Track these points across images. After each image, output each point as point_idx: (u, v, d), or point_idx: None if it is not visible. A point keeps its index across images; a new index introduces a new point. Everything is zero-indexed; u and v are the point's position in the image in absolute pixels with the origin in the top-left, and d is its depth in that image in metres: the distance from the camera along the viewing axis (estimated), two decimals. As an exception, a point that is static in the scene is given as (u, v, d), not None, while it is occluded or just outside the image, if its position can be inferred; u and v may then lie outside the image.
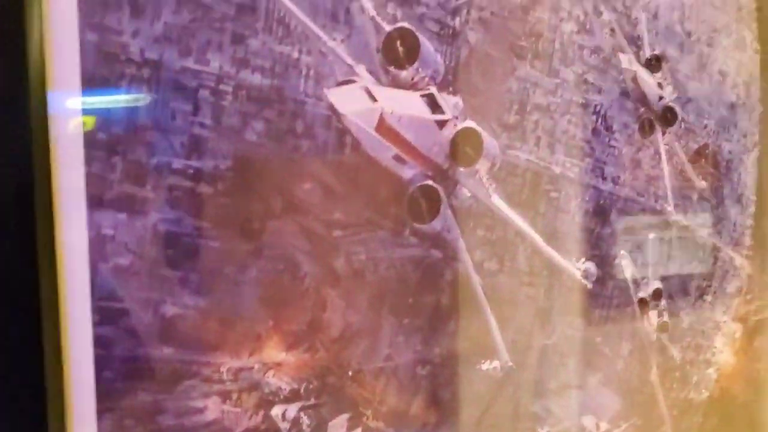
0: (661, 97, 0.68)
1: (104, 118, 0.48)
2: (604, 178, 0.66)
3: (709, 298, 0.73)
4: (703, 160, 0.71)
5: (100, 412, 0.48)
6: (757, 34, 0.73)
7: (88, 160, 0.47)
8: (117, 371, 0.49)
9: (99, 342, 0.48)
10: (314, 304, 0.55)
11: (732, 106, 0.73)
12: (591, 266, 0.66)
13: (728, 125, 0.73)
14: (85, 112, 0.47)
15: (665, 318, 0.70)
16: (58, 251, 0.47)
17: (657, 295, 0.70)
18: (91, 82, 0.47)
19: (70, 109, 0.47)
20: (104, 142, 0.47)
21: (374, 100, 0.56)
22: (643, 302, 0.69)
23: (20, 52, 0.45)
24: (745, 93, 0.73)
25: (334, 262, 0.56)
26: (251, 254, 0.52)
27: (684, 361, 0.72)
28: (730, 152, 0.73)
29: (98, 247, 0.48)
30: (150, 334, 0.49)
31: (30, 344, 0.45)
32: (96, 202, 0.48)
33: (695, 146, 0.71)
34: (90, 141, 0.47)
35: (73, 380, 0.47)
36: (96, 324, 0.48)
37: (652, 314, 0.70)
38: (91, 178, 0.47)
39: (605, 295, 0.67)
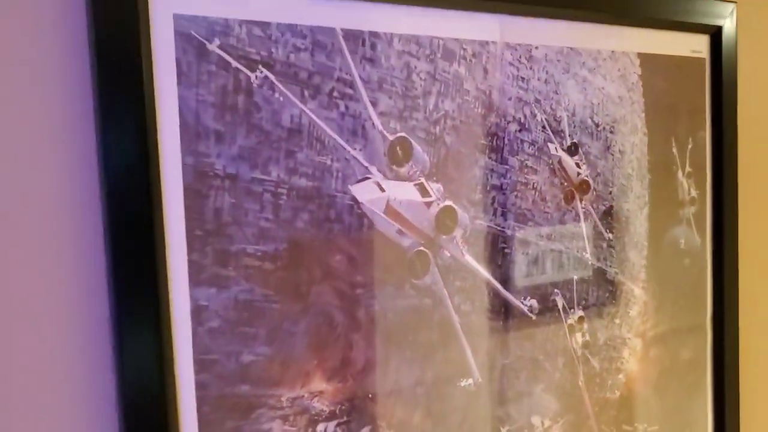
0: (578, 173, 0.90)
1: (200, 218, 0.64)
2: (541, 236, 0.88)
3: (617, 320, 0.96)
4: (610, 217, 0.94)
5: (201, 437, 0.64)
6: (645, 121, 0.97)
7: (190, 251, 0.63)
8: (212, 406, 0.64)
9: (199, 386, 0.64)
10: (344, 346, 0.73)
11: (628, 176, 0.96)
12: (534, 302, 0.87)
13: (626, 190, 0.96)
14: (187, 213, 0.63)
15: (587, 337, 0.92)
16: (172, 319, 0.62)
17: (581, 320, 0.91)
18: (188, 191, 0.63)
19: (176, 212, 0.63)
20: (200, 237, 0.63)
21: (383, 190, 0.75)
22: (571, 327, 0.90)
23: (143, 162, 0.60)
24: (638, 166, 0.97)
25: (357, 313, 0.73)
26: (301, 312, 0.70)
27: (602, 369, 0.94)
28: (628, 210, 0.96)
29: (197, 314, 0.64)
30: (233, 376, 0.66)
31: (152, 392, 0.61)
32: (195, 281, 0.63)
33: (603, 208, 0.93)
34: (190, 236, 0.63)
35: (181, 414, 0.63)
36: (196, 372, 0.64)
37: (578, 335, 0.91)
38: (191, 264, 0.63)
39: (544, 323, 0.88)
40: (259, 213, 0.66)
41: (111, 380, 0.60)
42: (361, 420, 0.74)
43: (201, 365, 0.64)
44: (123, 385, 0.59)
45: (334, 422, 0.72)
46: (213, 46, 0.63)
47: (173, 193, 0.62)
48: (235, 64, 0.65)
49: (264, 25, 0.66)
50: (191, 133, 0.63)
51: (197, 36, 0.62)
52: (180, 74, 0.62)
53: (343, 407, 0.72)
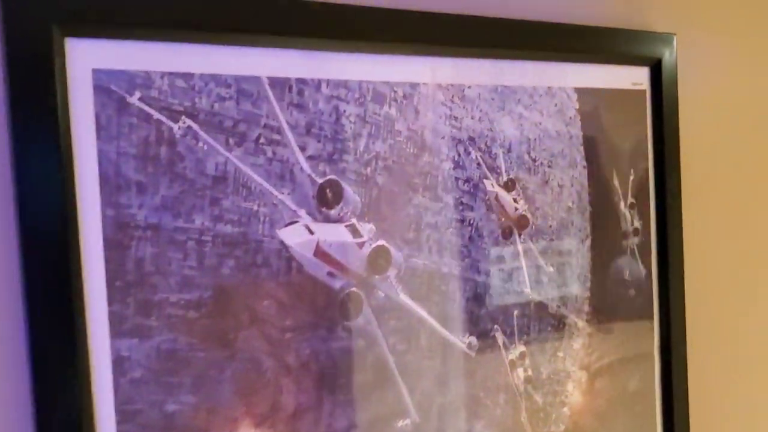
0: (516, 209, 0.92)
1: (121, 269, 0.64)
2: (479, 272, 0.89)
3: (561, 354, 0.96)
4: (550, 251, 0.95)
5: (123, 489, 0.63)
6: (584, 155, 0.98)
7: (110, 303, 0.63)
8: (134, 457, 0.64)
9: (121, 437, 0.64)
10: (274, 391, 0.73)
11: (569, 209, 0.97)
12: (473, 339, 0.88)
13: (567, 224, 0.97)
14: (107, 265, 0.64)
15: (529, 372, 0.93)
16: (92, 371, 0.62)
17: (522, 356, 0.92)
18: (108, 243, 0.64)
19: (96, 265, 0.63)
20: (121, 288, 0.64)
21: (312, 233, 0.75)
22: (512, 362, 0.91)
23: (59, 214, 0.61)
24: (578, 199, 0.98)
25: (287, 358, 0.74)
26: (227, 358, 0.70)
27: (545, 404, 0.95)
28: (569, 243, 0.97)
29: (119, 365, 0.64)
30: (157, 426, 0.66)
31: None
32: (116, 332, 0.64)
33: (544, 241, 0.94)
34: (110, 288, 0.63)
35: (102, 467, 0.63)
36: (118, 422, 0.64)
37: (520, 371, 0.92)
38: (112, 315, 0.64)
39: (485, 360, 0.89)
40: (183, 261, 0.67)
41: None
42: (293, 464, 0.74)
43: (123, 415, 0.64)
44: (39, 439, 0.59)
45: (264, 468, 0.72)
46: (134, 99, 0.64)
47: (93, 246, 0.62)
48: (156, 115, 0.65)
49: (187, 76, 0.67)
50: (111, 185, 0.63)
51: (117, 90, 0.63)
52: (99, 128, 0.63)
53: (274, 452, 0.72)
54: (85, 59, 0.61)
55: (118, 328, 0.63)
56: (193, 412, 0.67)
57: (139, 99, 0.64)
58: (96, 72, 0.62)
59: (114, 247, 0.63)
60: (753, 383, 1.22)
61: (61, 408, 0.60)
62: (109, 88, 0.63)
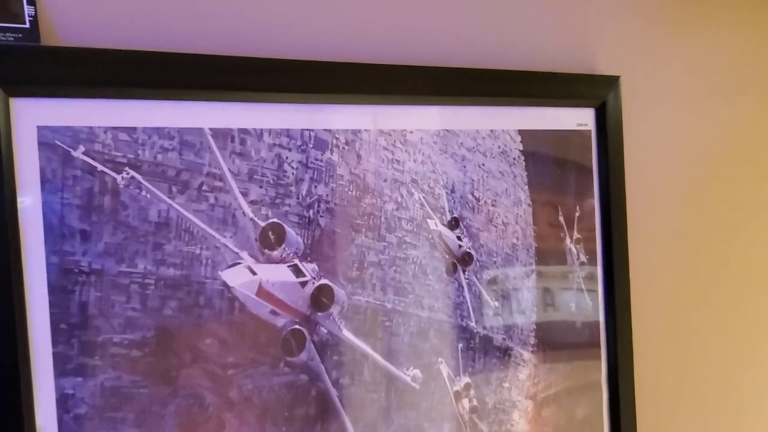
0: (460, 246, 0.96)
1: (65, 313, 0.68)
2: (423, 308, 0.93)
3: (506, 384, 1.00)
4: (495, 286, 0.99)
5: None
6: (528, 194, 1.03)
7: (54, 344, 0.67)
8: (77, 490, 0.68)
9: (63, 471, 0.67)
10: (216, 425, 0.77)
11: (513, 246, 1.02)
12: (417, 372, 0.92)
13: (512, 259, 1.01)
14: (51, 309, 0.68)
15: (474, 403, 0.96)
16: (36, 408, 0.66)
17: (467, 387, 0.96)
18: (52, 288, 0.68)
19: (40, 309, 0.67)
20: (65, 330, 0.68)
21: (254, 273, 0.80)
22: (457, 393, 0.95)
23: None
24: (523, 235, 1.03)
25: (229, 393, 0.78)
26: (170, 395, 0.74)
27: (491, 433, 0.98)
28: (514, 278, 1.01)
29: (63, 402, 0.68)
30: (99, 460, 0.69)
31: None
32: (60, 371, 0.68)
33: (488, 277, 0.99)
34: (55, 330, 0.67)
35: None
36: (61, 459, 0.67)
37: (465, 401, 0.95)
38: (56, 356, 0.67)
39: (429, 392, 0.93)
40: (126, 304, 0.71)
41: (-26, 470, 0.64)
42: (235, 495, 0.77)
43: (66, 453, 0.67)
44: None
45: (206, 499, 0.75)
46: (78, 153, 0.69)
47: (37, 291, 0.67)
48: (100, 167, 0.70)
49: (130, 130, 0.72)
50: (56, 234, 0.68)
51: (61, 144, 0.68)
52: (44, 180, 0.67)
53: (216, 484, 0.76)
54: (30, 117, 0.66)
55: (62, 367, 0.67)
56: (135, 447, 0.71)
57: (83, 153, 0.69)
58: (41, 129, 0.67)
59: (58, 291, 0.68)
60: (700, 410, 1.25)
61: (5, 444, 0.64)
62: (53, 143, 0.68)
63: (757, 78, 1.32)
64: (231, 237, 0.78)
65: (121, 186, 0.71)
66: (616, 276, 1.11)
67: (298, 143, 0.83)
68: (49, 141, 0.67)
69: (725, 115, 1.28)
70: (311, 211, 0.84)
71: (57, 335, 0.67)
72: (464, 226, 0.97)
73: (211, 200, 0.76)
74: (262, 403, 0.79)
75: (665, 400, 1.19)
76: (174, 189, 0.74)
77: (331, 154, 0.85)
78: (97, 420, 0.69)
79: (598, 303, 1.10)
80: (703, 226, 1.26)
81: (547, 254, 1.05)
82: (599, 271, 1.11)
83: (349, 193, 0.87)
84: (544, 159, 1.05)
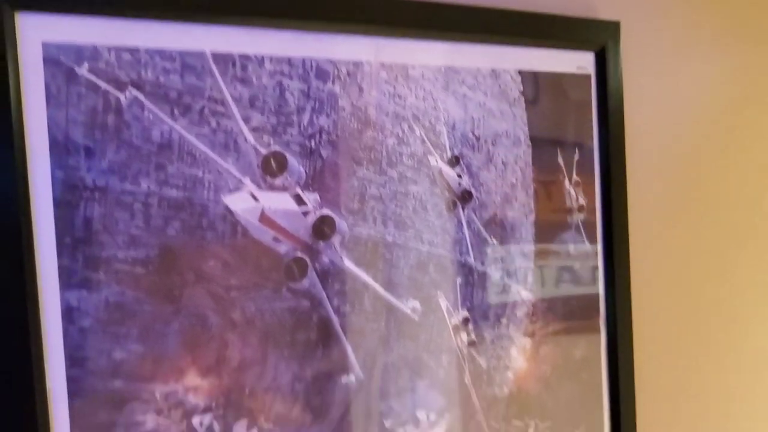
0: (460, 184, 0.97)
1: (69, 226, 0.69)
2: (422, 242, 0.94)
3: (504, 320, 1.02)
4: (494, 224, 1.00)
5: (73, 429, 0.69)
6: (528, 134, 1.04)
7: (60, 257, 0.68)
8: (84, 399, 0.70)
9: (70, 380, 0.69)
10: (219, 345, 0.78)
11: (512, 185, 1.03)
12: (417, 304, 0.93)
13: (511, 199, 1.02)
14: (57, 222, 0.69)
15: (473, 337, 0.98)
16: (42, 318, 0.68)
17: (465, 321, 0.97)
18: (58, 202, 0.69)
19: (46, 221, 0.68)
20: (70, 244, 0.69)
21: (257, 200, 0.81)
22: (456, 327, 0.96)
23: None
24: (522, 176, 1.04)
25: (232, 314, 0.79)
26: (173, 313, 0.75)
27: (489, 367, 1.00)
28: (513, 217, 1.03)
29: (68, 315, 0.69)
30: (105, 372, 0.71)
31: (22, 385, 0.66)
32: (66, 284, 0.69)
33: (487, 216, 1.00)
34: (60, 243, 0.69)
35: (53, 406, 0.68)
36: (68, 367, 0.69)
37: (463, 335, 0.97)
38: (62, 269, 0.69)
39: (428, 324, 0.94)
40: (130, 221, 0.72)
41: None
42: (238, 413, 0.79)
43: (73, 361, 0.69)
44: (-8, 379, 0.64)
45: (210, 415, 0.77)
46: (82, 70, 0.70)
47: (43, 205, 0.68)
48: (104, 86, 0.71)
49: (133, 50, 0.72)
50: (61, 149, 0.69)
51: (66, 62, 0.69)
52: (49, 96, 0.68)
53: (219, 401, 0.78)
54: (35, 33, 0.67)
55: (67, 280, 0.69)
56: (140, 361, 0.73)
57: (88, 70, 0.70)
58: (46, 45, 0.68)
59: (63, 206, 0.69)
60: (698, 353, 1.27)
61: (11, 356, 0.65)
62: (58, 59, 0.68)
63: (761, 26, 1.32)
64: (233, 162, 0.79)
65: (125, 105, 0.72)
66: (614, 220, 1.12)
67: (300, 72, 0.83)
68: (54, 57, 0.68)
69: (727, 65, 1.28)
70: (313, 142, 0.85)
71: (62, 248, 0.69)
72: (464, 164, 0.98)
73: (213, 125, 0.77)
74: (265, 326, 0.81)
75: (662, 341, 1.21)
76: (176, 111, 0.75)
77: (333, 84, 0.86)
78: (100, 334, 0.71)
79: (596, 247, 1.11)
80: (703, 174, 1.26)
81: (546, 195, 1.06)
82: (598, 213, 1.12)
83: (351, 125, 0.88)
84: (543, 101, 1.06)
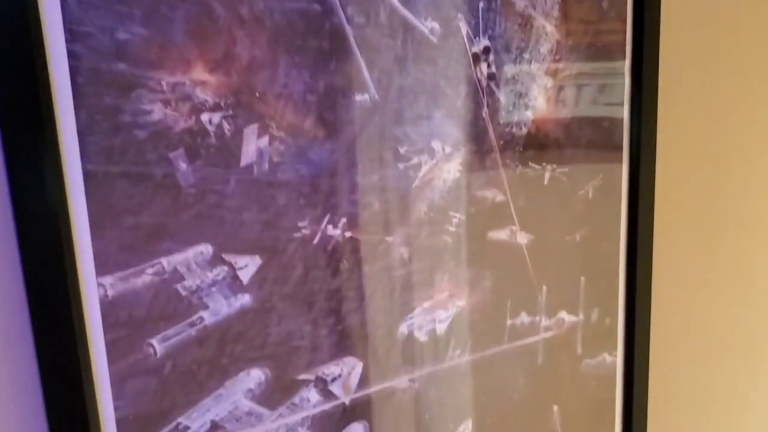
0: None
1: None
2: (444, -43, 0.86)
3: (526, 55, 0.96)
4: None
5: (77, 110, 0.66)
6: None
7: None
8: (86, 77, 0.67)
9: (71, 55, 0.65)
10: (227, 40, 0.74)
11: None
12: (436, 25, 0.87)
13: None
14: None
15: (493, 69, 0.93)
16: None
17: (486, 50, 0.92)
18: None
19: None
20: None
21: None
22: (475, 56, 0.91)
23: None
24: None
25: (240, 9, 0.74)
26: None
27: (508, 103, 0.96)
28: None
29: None
30: (108, 52, 0.67)
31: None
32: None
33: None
34: None
35: (54, 79, 0.65)
36: (68, 41, 0.65)
37: (483, 65, 0.92)
38: None
39: (447, 49, 0.89)
40: None
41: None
42: (249, 116, 0.76)
43: (72, 35, 0.65)
44: None
45: (219, 114, 0.74)
46: None
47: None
48: None
49: None
50: None
51: None
52: None
53: (229, 101, 0.75)
54: None
55: (58, -57, 0.63)
56: (144, 45, 0.69)
57: None
58: None
59: None
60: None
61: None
62: None
63: None
64: None
65: None
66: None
67: None
68: None
69: None
70: None
71: None
72: None
73: None
74: (274, 26, 0.76)
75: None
76: None
77: None
78: (102, 11, 0.66)
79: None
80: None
81: None
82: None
83: None
84: None
